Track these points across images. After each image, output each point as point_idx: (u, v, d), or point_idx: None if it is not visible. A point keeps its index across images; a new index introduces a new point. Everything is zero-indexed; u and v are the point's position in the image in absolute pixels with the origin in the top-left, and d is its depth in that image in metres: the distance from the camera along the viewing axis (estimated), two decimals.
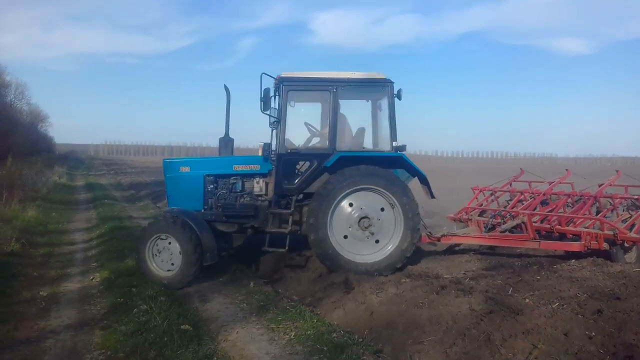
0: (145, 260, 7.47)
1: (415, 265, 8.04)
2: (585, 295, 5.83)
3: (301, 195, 8.03)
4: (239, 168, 8.33)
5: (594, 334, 4.67)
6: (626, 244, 8.13)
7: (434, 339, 4.96)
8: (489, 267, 7.98)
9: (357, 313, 5.98)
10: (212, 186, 8.30)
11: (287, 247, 7.79)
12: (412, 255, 8.01)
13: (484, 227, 9.20)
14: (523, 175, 10.86)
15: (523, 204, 9.62)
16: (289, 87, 8.03)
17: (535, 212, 9.20)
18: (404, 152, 8.10)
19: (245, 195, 8.29)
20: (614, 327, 4.77)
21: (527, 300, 5.75)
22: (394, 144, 8.02)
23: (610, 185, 9.62)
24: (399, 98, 8.24)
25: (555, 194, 9.70)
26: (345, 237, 7.79)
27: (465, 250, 9.26)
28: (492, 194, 10.53)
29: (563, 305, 5.46)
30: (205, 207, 8.24)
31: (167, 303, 6.20)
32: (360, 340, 5.20)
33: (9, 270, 7.97)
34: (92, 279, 7.86)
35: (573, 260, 8.10)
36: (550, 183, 10.20)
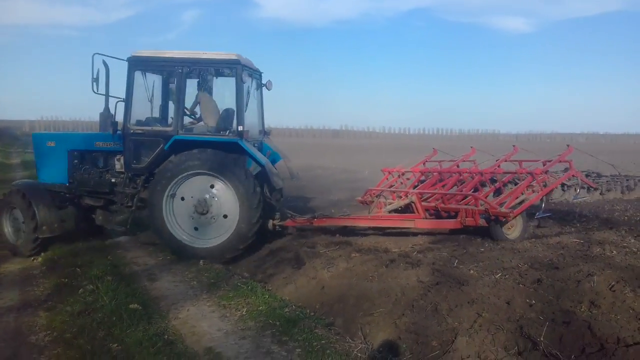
0: (2, 229, 8.16)
1: (364, 239, 8.17)
2: (526, 265, 6.12)
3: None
4: (101, 145, 8.37)
5: (534, 301, 4.91)
6: (503, 220, 7.99)
7: (383, 311, 5.08)
8: (436, 240, 8.19)
9: (309, 288, 6.06)
10: (76, 161, 8.42)
11: (127, 226, 8.10)
12: (362, 230, 8.16)
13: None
14: (436, 155, 10.81)
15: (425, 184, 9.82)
16: (135, 67, 7.93)
17: (422, 191, 9.10)
18: (245, 138, 7.73)
19: (106, 172, 8.36)
20: (552, 295, 5.03)
21: (472, 271, 5.97)
22: (239, 128, 7.71)
23: (506, 161, 9.90)
24: (268, 88, 8.57)
25: (449, 172, 9.86)
26: (196, 228, 7.74)
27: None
28: (399, 175, 10.32)
29: (505, 276, 5.71)
30: (71, 181, 8.38)
31: (114, 282, 6.06)
32: (312, 314, 5.28)
33: None
34: (34, 260, 7.60)
35: None
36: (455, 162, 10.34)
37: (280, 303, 5.49)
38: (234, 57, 7.81)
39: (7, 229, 8.14)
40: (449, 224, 8.36)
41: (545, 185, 8.42)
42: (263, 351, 4.40)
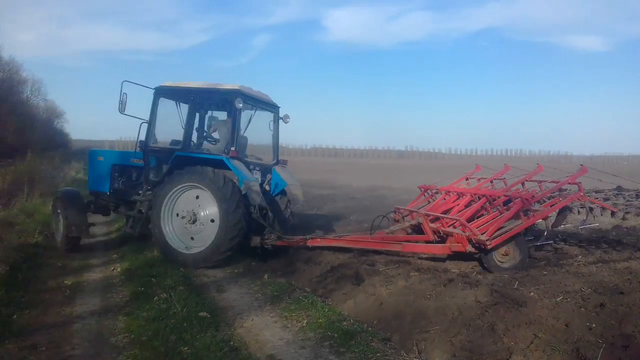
0: (53, 228, 9.81)
1: (424, 260, 8.25)
2: (589, 289, 6.00)
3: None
4: (134, 161, 9.58)
5: (594, 325, 4.86)
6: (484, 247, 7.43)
7: (439, 329, 5.19)
8: None
9: (367, 304, 6.23)
10: (116, 174, 9.77)
11: (136, 232, 9.26)
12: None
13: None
14: (479, 171, 10.26)
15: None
16: (159, 95, 9.22)
17: (431, 213, 8.67)
18: (233, 157, 8.50)
19: (136, 184, 9.56)
20: (615, 320, 4.95)
21: (532, 293, 5.94)
22: (232, 149, 8.59)
23: (526, 180, 8.94)
24: (285, 122, 9.81)
25: (458, 192, 9.25)
26: (193, 238, 8.58)
27: None
28: (432, 194, 9.96)
29: (567, 299, 5.65)
30: (110, 191, 9.74)
31: (186, 292, 6.49)
32: (370, 328, 5.45)
33: (34, 261, 8.32)
34: (113, 270, 8.19)
35: (580, 257, 8.28)
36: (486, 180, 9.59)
37: (339, 317, 5.71)
38: (236, 88, 8.82)
39: (54, 228, 9.83)
40: (436, 249, 7.95)
41: (528, 213, 7.73)
42: None
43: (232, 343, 4.98)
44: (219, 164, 8.42)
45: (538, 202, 8.09)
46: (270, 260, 8.96)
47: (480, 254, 7.67)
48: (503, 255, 7.69)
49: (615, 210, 8.39)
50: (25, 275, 7.35)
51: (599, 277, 6.78)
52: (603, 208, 8.30)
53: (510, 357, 4.46)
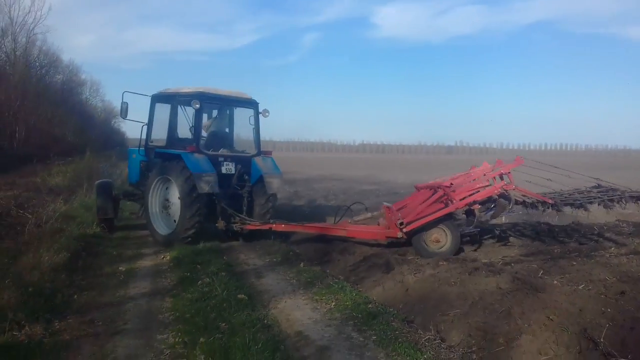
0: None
1: None
2: (614, 278, 6.16)
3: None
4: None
5: (609, 310, 5.05)
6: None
7: (459, 312, 5.50)
8: (528, 253, 8.33)
9: (394, 290, 6.59)
10: (143, 169, 11.14)
11: (139, 214, 11.13)
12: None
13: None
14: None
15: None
16: (154, 101, 10.84)
17: (388, 204, 9.53)
18: (192, 151, 9.80)
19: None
20: (632, 306, 5.11)
21: (555, 282, 6.14)
22: (192, 145, 9.94)
23: (503, 173, 9.14)
24: (264, 116, 10.83)
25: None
26: (175, 220, 9.89)
27: (506, 238, 9.60)
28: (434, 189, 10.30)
29: (589, 287, 5.83)
30: (136, 182, 11.44)
31: (227, 277, 7.04)
32: (393, 311, 5.82)
33: (92, 249, 9.09)
34: (163, 258, 8.84)
35: (612, 249, 8.36)
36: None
37: (365, 300, 6.12)
38: (199, 91, 10.19)
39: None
40: (372, 234, 8.94)
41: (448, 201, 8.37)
42: (344, 336, 5.06)
43: (265, 321, 5.47)
44: (176, 158, 9.86)
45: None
46: (307, 250, 9.45)
47: (410, 239, 8.42)
48: (434, 242, 8.34)
49: (550, 202, 8.54)
50: (85, 262, 8.09)
51: (626, 267, 6.90)
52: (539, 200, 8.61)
53: (520, 336, 4.74)
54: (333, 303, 6.04)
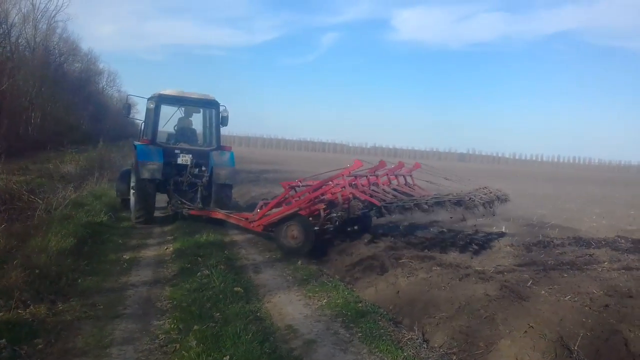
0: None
1: (449, 256, 8.70)
2: (601, 292, 6.33)
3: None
4: None
5: (589, 321, 5.24)
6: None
7: (445, 315, 5.70)
8: (522, 263, 8.48)
9: (386, 291, 6.80)
10: None
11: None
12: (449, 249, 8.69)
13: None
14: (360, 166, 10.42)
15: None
16: (151, 101, 12.13)
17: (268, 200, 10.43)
18: (145, 144, 11.70)
19: None
20: (614, 319, 5.30)
21: (544, 292, 6.33)
22: (144, 138, 12.07)
23: (377, 175, 10.25)
24: (223, 115, 12.43)
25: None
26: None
27: (504, 247, 9.77)
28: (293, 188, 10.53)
29: (574, 299, 6.02)
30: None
31: (226, 271, 7.29)
32: (383, 312, 6.04)
33: (99, 237, 9.37)
34: (166, 249, 9.11)
35: (606, 263, 8.49)
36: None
37: (356, 299, 6.34)
38: (157, 94, 11.96)
39: None
40: (246, 224, 9.99)
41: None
42: (331, 332, 5.30)
43: (258, 314, 5.71)
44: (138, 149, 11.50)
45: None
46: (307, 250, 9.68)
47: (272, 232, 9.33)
48: (291, 238, 8.98)
49: (377, 203, 8.62)
50: (90, 248, 8.38)
51: (615, 282, 7.04)
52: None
53: (500, 341, 4.94)
54: (325, 300, 6.27)
